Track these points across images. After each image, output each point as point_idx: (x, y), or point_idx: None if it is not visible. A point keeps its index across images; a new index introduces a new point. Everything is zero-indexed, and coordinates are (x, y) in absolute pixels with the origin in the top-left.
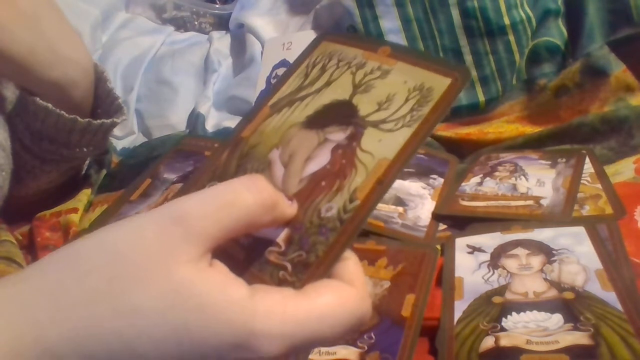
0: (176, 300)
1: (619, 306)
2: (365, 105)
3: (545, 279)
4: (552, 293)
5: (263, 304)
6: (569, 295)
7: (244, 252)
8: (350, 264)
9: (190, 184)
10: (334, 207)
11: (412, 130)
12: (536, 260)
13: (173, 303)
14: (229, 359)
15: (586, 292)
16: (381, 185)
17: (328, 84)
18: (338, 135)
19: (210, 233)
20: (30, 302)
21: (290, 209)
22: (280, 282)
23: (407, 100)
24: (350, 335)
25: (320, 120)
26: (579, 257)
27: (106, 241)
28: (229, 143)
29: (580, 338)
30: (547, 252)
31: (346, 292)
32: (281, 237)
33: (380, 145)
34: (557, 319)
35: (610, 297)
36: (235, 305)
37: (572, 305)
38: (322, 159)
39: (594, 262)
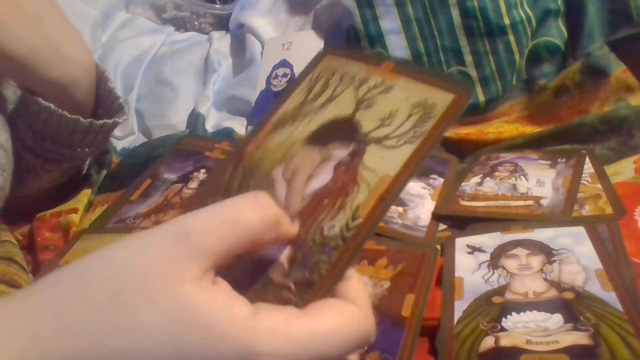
0: (180, 318)
1: (619, 306)
2: (367, 122)
3: (545, 279)
4: (552, 293)
5: (266, 323)
6: (569, 295)
7: (248, 271)
8: (353, 282)
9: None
10: (337, 225)
11: (415, 146)
12: (536, 260)
13: (176, 321)
14: None
15: (586, 292)
16: (384, 202)
17: (331, 99)
18: (340, 152)
19: (213, 250)
20: (36, 317)
21: (293, 227)
22: (284, 302)
23: (409, 116)
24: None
25: (323, 136)
26: (579, 257)
27: (112, 258)
28: (232, 158)
29: (580, 338)
30: (547, 252)
31: (349, 311)
32: (284, 255)
33: (382, 162)
34: (557, 319)
35: (611, 297)
36: (238, 324)
37: (572, 305)
38: (324, 177)
39: (594, 262)
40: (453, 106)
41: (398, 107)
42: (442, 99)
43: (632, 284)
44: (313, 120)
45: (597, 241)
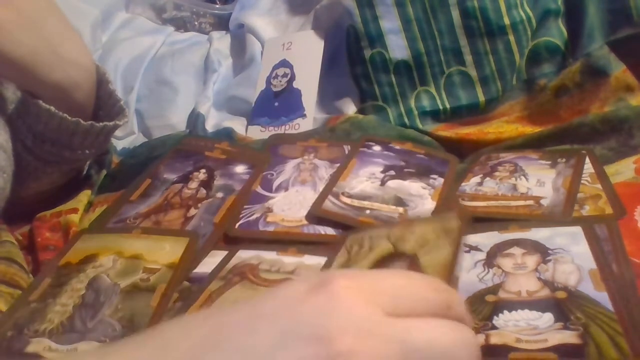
0: None
1: (610, 306)
2: (408, 247)
3: (539, 278)
4: (545, 292)
5: None
6: (561, 294)
7: None
8: None
9: None
10: None
11: (453, 245)
12: (531, 260)
13: None
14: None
15: (579, 292)
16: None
17: (371, 249)
18: (402, 265)
19: None
20: None
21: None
22: None
23: (437, 236)
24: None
25: (381, 264)
26: (574, 256)
27: None
28: None
29: (569, 337)
30: (543, 251)
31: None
32: None
33: (433, 258)
34: (547, 317)
35: (603, 297)
36: None
37: (563, 304)
38: None
39: (589, 262)
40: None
41: (425, 235)
42: (452, 224)
43: (631, 284)
44: (364, 260)
45: (593, 241)
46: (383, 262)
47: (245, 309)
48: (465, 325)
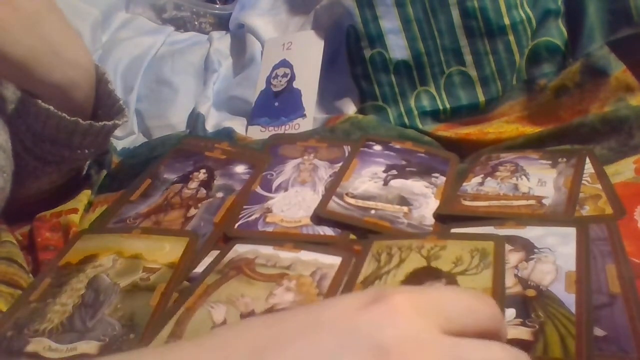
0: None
1: (573, 308)
2: (443, 266)
3: (516, 275)
4: (517, 289)
5: None
6: (531, 292)
7: None
8: None
9: None
10: None
11: (492, 269)
12: (515, 257)
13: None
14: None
15: (548, 292)
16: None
17: (402, 261)
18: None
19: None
20: None
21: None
22: None
23: (472, 257)
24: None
25: (415, 279)
26: (557, 257)
27: None
28: None
29: (522, 333)
30: (529, 249)
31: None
32: None
33: (475, 283)
34: (509, 313)
35: (570, 298)
36: None
37: (529, 302)
38: None
39: (570, 263)
40: (498, 249)
41: (459, 254)
42: (487, 245)
43: (631, 284)
44: (397, 274)
45: (582, 243)
46: (416, 276)
47: (304, 316)
48: (518, 349)
